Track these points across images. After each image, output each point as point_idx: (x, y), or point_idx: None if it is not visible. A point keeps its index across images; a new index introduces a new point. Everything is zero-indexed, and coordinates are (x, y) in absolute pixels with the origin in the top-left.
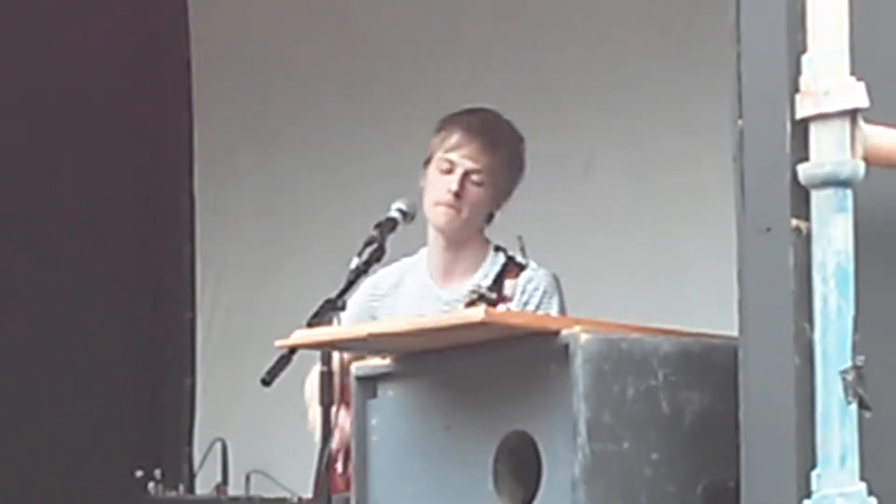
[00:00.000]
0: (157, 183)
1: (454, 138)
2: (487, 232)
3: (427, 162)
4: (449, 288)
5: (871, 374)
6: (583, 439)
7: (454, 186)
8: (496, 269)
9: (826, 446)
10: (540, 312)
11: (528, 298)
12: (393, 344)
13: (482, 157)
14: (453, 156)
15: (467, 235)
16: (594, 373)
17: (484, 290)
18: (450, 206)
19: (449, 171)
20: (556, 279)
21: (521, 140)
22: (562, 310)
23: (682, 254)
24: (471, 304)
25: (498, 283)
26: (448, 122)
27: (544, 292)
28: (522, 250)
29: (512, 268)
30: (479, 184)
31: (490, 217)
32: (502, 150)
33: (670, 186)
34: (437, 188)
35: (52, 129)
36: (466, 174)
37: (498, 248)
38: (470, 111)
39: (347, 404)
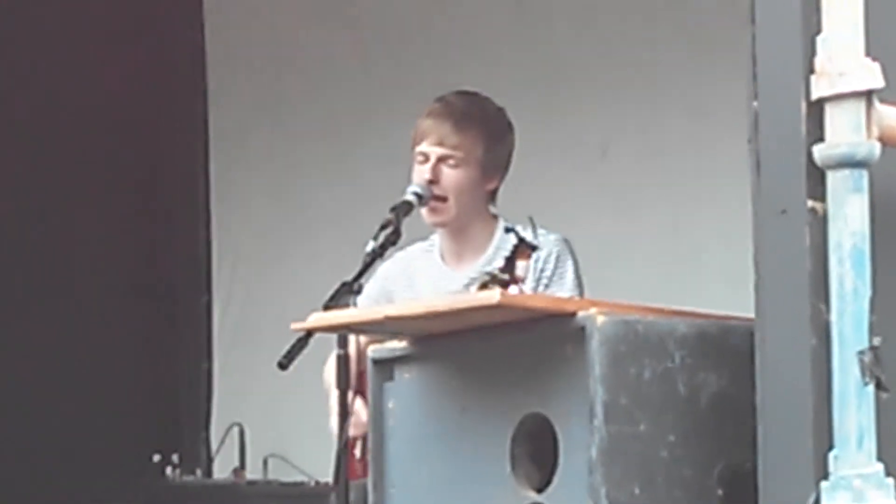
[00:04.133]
0: (173, 168)
1: (422, 128)
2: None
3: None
4: (461, 271)
5: (888, 355)
6: (599, 421)
7: (427, 175)
8: (507, 250)
9: (843, 428)
10: (556, 277)
11: (542, 265)
12: (409, 326)
13: (452, 138)
14: (423, 146)
15: (467, 220)
16: (611, 355)
17: (496, 272)
18: (432, 200)
19: (424, 162)
20: (567, 242)
21: (497, 111)
22: (576, 270)
23: (697, 236)
24: (483, 286)
25: (510, 264)
26: (420, 117)
27: (558, 256)
28: (533, 229)
29: (524, 249)
30: (455, 166)
31: (492, 195)
32: (474, 128)
33: (685, 170)
34: (416, 181)
35: (67, 115)
36: (440, 160)
37: (508, 230)
38: (438, 99)
39: (362, 393)
